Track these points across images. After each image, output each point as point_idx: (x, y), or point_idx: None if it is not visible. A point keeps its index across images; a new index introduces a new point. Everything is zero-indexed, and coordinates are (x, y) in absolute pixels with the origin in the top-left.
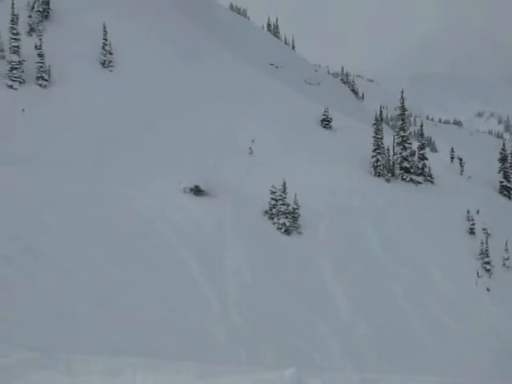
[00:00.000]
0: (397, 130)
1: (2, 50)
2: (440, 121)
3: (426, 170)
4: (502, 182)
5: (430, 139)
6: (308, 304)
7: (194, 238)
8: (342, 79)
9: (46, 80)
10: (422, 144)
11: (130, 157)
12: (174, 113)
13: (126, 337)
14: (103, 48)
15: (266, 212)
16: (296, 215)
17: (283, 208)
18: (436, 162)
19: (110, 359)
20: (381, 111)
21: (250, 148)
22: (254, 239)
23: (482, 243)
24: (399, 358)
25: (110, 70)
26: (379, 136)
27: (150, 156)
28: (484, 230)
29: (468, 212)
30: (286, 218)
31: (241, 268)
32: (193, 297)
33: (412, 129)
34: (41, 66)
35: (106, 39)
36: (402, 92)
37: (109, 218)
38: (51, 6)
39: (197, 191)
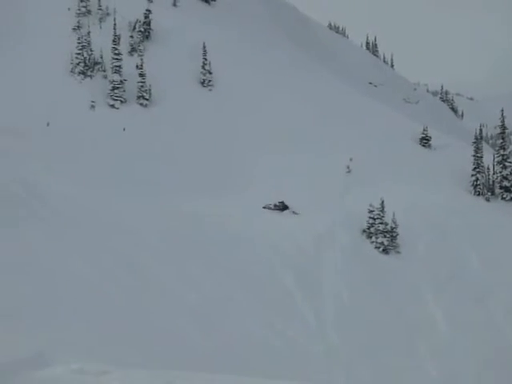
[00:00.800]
0: (497, 148)
1: (105, 70)
2: None
3: None
4: None
5: None
6: (406, 324)
7: (290, 255)
8: (441, 97)
9: (146, 99)
10: None
11: (218, 174)
12: (270, 130)
13: (223, 354)
14: (203, 67)
15: (364, 231)
16: (394, 234)
17: (381, 227)
18: None
19: (209, 376)
20: (480, 130)
21: (348, 167)
22: (352, 258)
23: None
24: (501, 381)
25: (210, 89)
26: (479, 155)
27: (238, 172)
28: None
29: None
30: (385, 236)
31: (339, 287)
32: (290, 315)
33: None
34: (142, 86)
35: (205, 59)
36: (502, 111)
37: (200, 235)
38: (152, 26)
39: (283, 208)
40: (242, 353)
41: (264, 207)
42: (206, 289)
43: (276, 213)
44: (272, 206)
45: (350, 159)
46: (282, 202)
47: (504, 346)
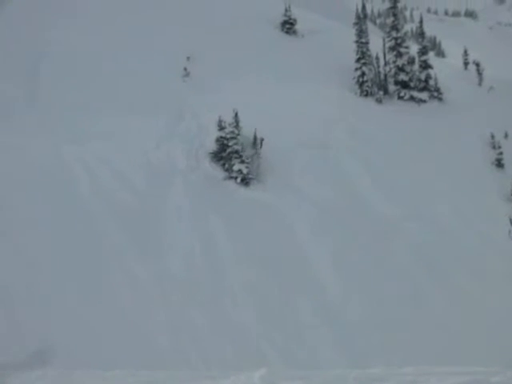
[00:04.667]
0: (387, 30)
1: None
2: (446, 13)
3: (432, 82)
4: None
5: (435, 40)
6: (282, 280)
7: (113, 194)
8: None
9: None
10: (424, 47)
11: None
12: None
13: None
14: None
15: (214, 154)
16: (257, 158)
17: (237, 148)
18: (444, 70)
19: None
20: (363, 5)
21: (186, 68)
22: (201, 195)
23: None
24: (409, 346)
25: None
26: (363, 40)
27: None
28: None
29: (492, 137)
30: (243, 162)
31: (187, 239)
32: (118, 281)
33: (409, 27)
34: None
35: None
36: None
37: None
38: None
39: None
40: None
41: None
42: None
43: None
44: None
45: (187, 58)
46: None
47: (412, 301)
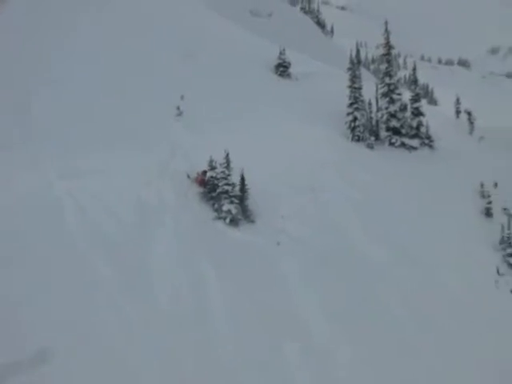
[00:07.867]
0: (381, 76)
1: None
2: (440, 61)
3: (423, 129)
4: None
5: (427, 87)
6: (269, 322)
7: (103, 231)
8: (302, 8)
9: None
10: (417, 94)
11: None
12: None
13: None
14: None
15: (204, 194)
16: (246, 199)
17: (227, 189)
18: (436, 118)
19: None
20: (357, 50)
21: (179, 108)
22: (190, 236)
23: (502, 228)
24: None
25: None
26: (356, 85)
27: None
28: (505, 209)
29: (482, 186)
30: (232, 202)
31: (174, 279)
32: (106, 318)
33: (402, 74)
34: None
35: None
36: (386, 23)
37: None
38: None
39: None
40: None
41: None
42: None
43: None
44: None
45: (181, 97)
46: None
47: (400, 347)
